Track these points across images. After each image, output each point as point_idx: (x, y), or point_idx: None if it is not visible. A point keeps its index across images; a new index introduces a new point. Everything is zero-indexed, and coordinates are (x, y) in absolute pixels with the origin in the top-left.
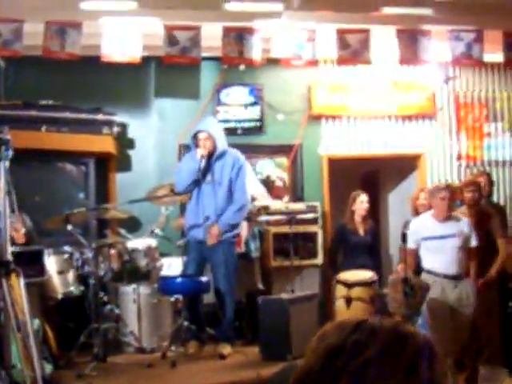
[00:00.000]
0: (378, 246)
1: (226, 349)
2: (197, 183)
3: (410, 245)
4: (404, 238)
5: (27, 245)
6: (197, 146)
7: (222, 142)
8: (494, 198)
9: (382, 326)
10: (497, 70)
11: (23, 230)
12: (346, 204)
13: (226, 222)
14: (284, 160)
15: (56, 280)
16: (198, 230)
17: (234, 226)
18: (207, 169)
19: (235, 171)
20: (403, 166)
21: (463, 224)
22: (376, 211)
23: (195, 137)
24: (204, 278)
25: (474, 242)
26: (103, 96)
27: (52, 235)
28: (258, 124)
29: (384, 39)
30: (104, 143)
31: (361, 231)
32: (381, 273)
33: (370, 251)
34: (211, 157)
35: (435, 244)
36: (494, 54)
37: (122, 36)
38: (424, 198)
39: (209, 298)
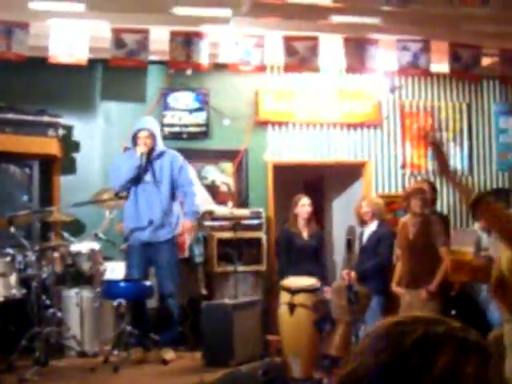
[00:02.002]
0: (324, 250)
1: (169, 354)
2: (135, 182)
3: None
4: (349, 244)
5: None
6: (135, 144)
7: (160, 142)
8: (438, 207)
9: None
10: (442, 80)
11: None
12: (289, 210)
13: (191, 212)
14: (229, 165)
15: None
16: (140, 233)
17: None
18: (146, 168)
19: (176, 170)
20: (348, 174)
21: None
22: (320, 218)
23: (135, 136)
24: (148, 283)
25: None
26: (49, 98)
27: None
28: (203, 129)
29: (331, 47)
30: (49, 145)
31: (305, 235)
32: (325, 277)
33: (315, 255)
34: (150, 155)
35: None
36: (440, 64)
37: (70, 38)
38: (366, 205)
39: (151, 302)
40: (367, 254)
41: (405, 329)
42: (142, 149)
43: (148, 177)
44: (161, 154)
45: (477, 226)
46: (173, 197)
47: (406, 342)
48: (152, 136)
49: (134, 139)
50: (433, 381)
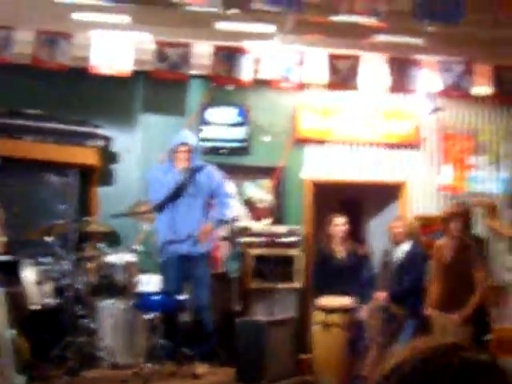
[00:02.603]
0: (361, 268)
1: (201, 368)
2: (174, 197)
3: None
4: (385, 266)
5: (6, 255)
6: (173, 159)
7: (198, 156)
8: (476, 231)
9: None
10: (484, 102)
11: (2, 239)
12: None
13: (217, 219)
14: (267, 182)
15: (33, 290)
16: (178, 246)
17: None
18: (185, 182)
19: (214, 182)
20: (385, 194)
21: None
22: (357, 237)
23: (174, 150)
24: (182, 296)
25: None
26: (90, 108)
27: (32, 246)
28: (243, 144)
29: (373, 66)
30: (88, 156)
31: (340, 254)
32: (364, 297)
33: (353, 275)
34: (188, 170)
35: None
36: (483, 87)
37: (113, 49)
38: (400, 225)
39: (185, 316)
40: (400, 274)
41: (439, 359)
42: (183, 163)
43: (189, 191)
44: (200, 169)
45: None
46: (206, 212)
47: (445, 375)
48: (191, 151)
49: (172, 154)
50: None
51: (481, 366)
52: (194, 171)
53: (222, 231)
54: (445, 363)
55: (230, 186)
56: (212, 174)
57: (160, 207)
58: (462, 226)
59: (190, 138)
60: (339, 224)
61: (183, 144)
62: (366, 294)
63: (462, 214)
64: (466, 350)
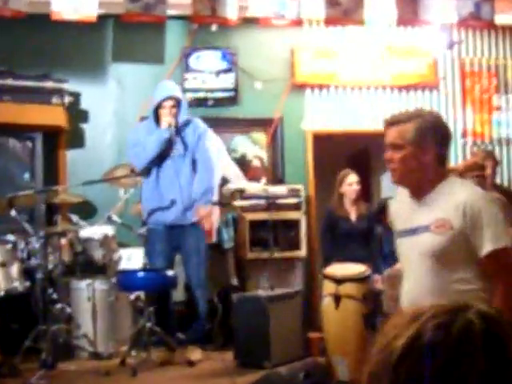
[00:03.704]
0: (375, 232)
1: (196, 354)
2: (161, 159)
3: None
4: None
5: None
6: (157, 115)
7: (185, 110)
8: (501, 179)
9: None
10: (509, 33)
11: None
12: (333, 186)
13: (202, 194)
14: (262, 136)
15: None
16: (164, 214)
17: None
18: (172, 141)
19: (195, 139)
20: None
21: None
22: (367, 196)
23: (159, 105)
24: (170, 272)
25: (487, 246)
26: (52, 60)
27: None
28: (231, 94)
29: None
30: (53, 115)
31: (352, 217)
32: (377, 264)
33: (365, 240)
34: (176, 126)
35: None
36: (507, 15)
37: None
38: None
39: (177, 295)
40: None
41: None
42: (169, 120)
43: (176, 151)
44: (186, 124)
45: None
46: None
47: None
48: (178, 105)
49: (156, 110)
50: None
51: (501, 319)
52: (181, 127)
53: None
54: (467, 324)
55: (218, 142)
56: (196, 128)
57: (146, 171)
58: (476, 181)
59: (176, 89)
60: (353, 182)
61: (169, 98)
62: (380, 261)
63: (475, 167)
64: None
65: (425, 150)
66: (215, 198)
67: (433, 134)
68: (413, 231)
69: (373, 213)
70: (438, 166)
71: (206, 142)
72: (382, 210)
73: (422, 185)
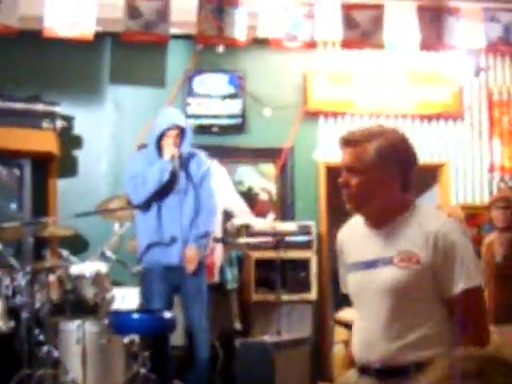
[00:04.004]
0: None
1: None
2: (162, 193)
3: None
4: None
5: None
6: (159, 145)
7: (189, 142)
8: None
9: None
10: None
11: None
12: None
13: (199, 234)
14: (271, 167)
15: None
16: (163, 253)
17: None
18: (176, 174)
19: (201, 174)
20: (420, 179)
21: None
22: None
23: (162, 134)
24: (168, 314)
25: (459, 285)
26: (44, 81)
27: None
28: (238, 121)
29: (401, 18)
30: (44, 140)
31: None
32: None
33: None
34: (180, 159)
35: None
36: None
37: (72, 5)
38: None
39: (176, 340)
40: None
41: None
42: (173, 150)
43: (179, 185)
44: (191, 157)
45: None
46: (198, 211)
47: None
48: (182, 134)
49: (159, 139)
50: None
51: None
52: (185, 160)
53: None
54: None
55: (222, 174)
56: (200, 163)
57: (145, 206)
58: (504, 215)
59: (181, 118)
60: None
61: (173, 126)
62: None
63: (503, 200)
64: None
65: (386, 175)
66: (217, 234)
67: (396, 156)
68: (370, 264)
69: None
70: (402, 193)
71: (211, 182)
72: None
73: (382, 213)
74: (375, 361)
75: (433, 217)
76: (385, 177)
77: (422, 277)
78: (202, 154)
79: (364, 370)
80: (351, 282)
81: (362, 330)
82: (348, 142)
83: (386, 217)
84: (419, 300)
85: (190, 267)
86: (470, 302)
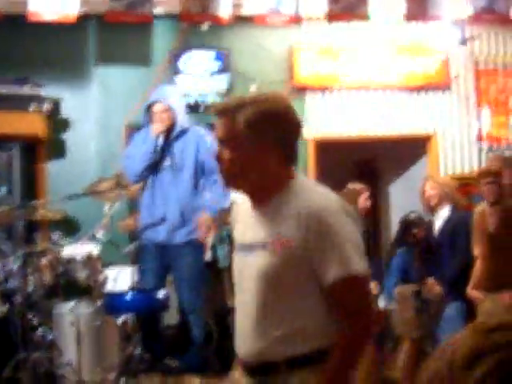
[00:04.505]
0: (377, 249)
1: (194, 382)
2: (152, 169)
3: None
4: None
5: None
6: (149, 121)
7: (182, 117)
8: None
9: None
10: None
11: None
12: None
13: (214, 205)
14: None
15: None
16: (155, 231)
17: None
18: (165, 150)
19: (203, 152)
20: (409, 151)
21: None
22: (375, 207)
23: (149, 110)
24: (161, 292)
25: (332, 272)
26: (30, 64)
27: None
28: (225, 98)
29: None
30: (31, 123)
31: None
32: (382, 283)
33: (368, 255)
34: (169, 135)
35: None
36: None
37: None
38: (431, 187)
39: (169, 318)
40: (443, 250)
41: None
42: (158, 127)
43: (166, 163)
44: (183, 133)
45: None
46: (196, 186)
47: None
48: (170, 110)
49: (148, 114)
50: None
51: None
52: (174, 136)
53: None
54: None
55: None
56: (201, 138)
57: (136, 183)
58: (493, 188)
59: (165, 93)
60: (367, 199)
61: (157, 102)
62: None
63: (490, 174)
64: None
65: (259, 148)
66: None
67: (271, 127)
68: (247, 248)
69: (396, 233)
70: (282, 168)
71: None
72: (406, 229)
73: (259, 191)
74: (248, 356)
75: (310, 195)
76: (257, 150)
77: (295, 264)
78: (200, 130)
79: (242, 365)
80: (234, 266)
81: (238, 321)
82: (219, 112)
83: (263, 195)
84: (294, 289)
85: (201, 235)
86: (346, 291)
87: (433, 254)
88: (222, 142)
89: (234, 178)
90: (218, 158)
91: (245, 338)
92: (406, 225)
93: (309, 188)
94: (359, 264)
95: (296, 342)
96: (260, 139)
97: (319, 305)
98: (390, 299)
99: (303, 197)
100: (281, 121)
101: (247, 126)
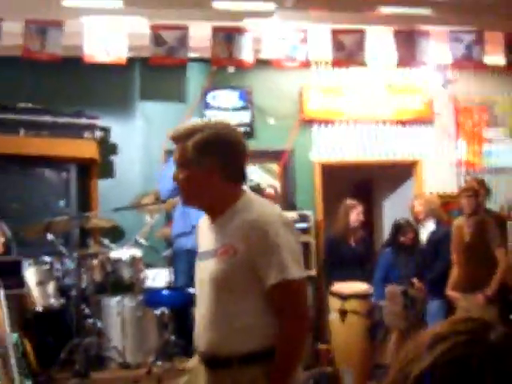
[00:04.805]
0: (371, 256)
1: None
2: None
3: None
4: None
5: (5, 255)
6: None
7: None
8: (493, 207)
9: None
10: (498, 73)
11: (2, 240)
12: (338, 213)
13: None
14: (275, 166)
15: (35, 292)
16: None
17: None
18: None
19: None
20: (399, 174)
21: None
22: (369, 220)
23: None
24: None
25: (271, 277)
26: (85, 99)
27: (31, 245)
28: (247, 129)
29: (380, 40)
30: (86, 148)
31: (351, 241)
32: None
33: (362, 262)
34: None
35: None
36: (495, 57)
37: (106, 36)
38: (419, 203)
39: None
40: (428, 256)
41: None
42: None
43: None
44: None
45: None
46: None
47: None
48: None
49: None
50: None
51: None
52: None
53: None
54: (480, 363)
55: None
56: None
57: (167, 199)
58: (471, 202)
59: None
60: (360, 213)
61: None
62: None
63: (470, 190)
64: (497, 328)
65: (205, 169)
66: None
67: (217, 150)
68: (203, 256)
69: (389, 234)
70: (229, 186)
71: None
72: (397, 231)
73: (211, 207)
74: (202, 347)
75: (253, 207)
76: (204, 171)
77: (240, 269)
78: None
79: (199, 356)
80: (195, 271)
81: (196, 318)
82: (174, 138)
83: (215, 210)
84: (241, 292)
85: None
86: (283, 294)
87: (415, 256)
88: (177, 164)
89: (188, 197)
90: (175, 179)
91: (200, 332)
92: (396, 228)
93: (254, 203)
94: (295, 269)
95: (244, 339)
96: (207, 161)
97: (266, 306)
98: (377, 291)
99: (248, 210)
100: (225, 145)
101: (195, 150)
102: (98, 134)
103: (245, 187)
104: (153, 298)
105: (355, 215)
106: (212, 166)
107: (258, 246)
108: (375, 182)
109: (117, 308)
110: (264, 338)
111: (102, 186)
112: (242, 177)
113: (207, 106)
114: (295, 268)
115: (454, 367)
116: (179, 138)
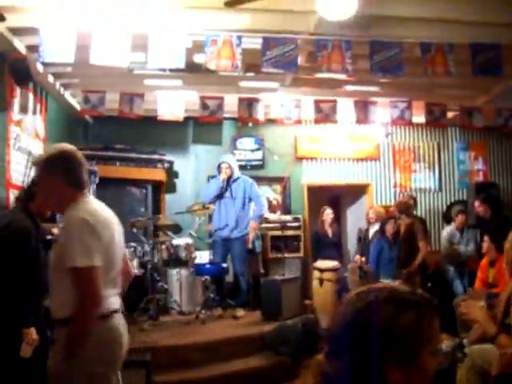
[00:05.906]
0: (341, 243)
1: (240, 312)
2: (219, 198)
3: None
4: (359, 239)
5: None
6: (219, 172)
7: (236, 171)
8: (418, 213)
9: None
10: (421, 128)
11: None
12: (318, 216)
13: (257, 216)
14: (278, 187)
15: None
16: (222, 231)
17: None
18: (226, 188)
19: (248, 188)
20: (357, 192)
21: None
22: (339, 222)
23: (219, 166)
24: (225, 264)
25: (66, 263)
26: (158, 143)
27: (125, 236)
28: (260, 163)
29: (345, 106)
30: (158, 174)
31: (329, 233)
32: (342, 261)
33: (336, 247)
34: (229, 180)
35: None
36: (419, 117)
37: (171, 103)
38: (372, 212)
39: (228, 278)
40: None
41: (364, 296)
42: (223, 176)
43: (227, 194)
44: (237, 179)
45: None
46: (243, 207)
47: (360, 304)
48: (230, 167)
49: (219, 169)
50: (377, 331)
51: (386, 299)
52: (232, 181)
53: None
54: (373, 298)
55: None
56: (246, 182)
57: (208, 204)
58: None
59: (229, 158)
60: (329, 214)
61: (224, 162)
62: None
63: (397, 205)
64: (400, 290)
65: (51, 180)
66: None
67: (56, 166)
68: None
69: (379, 227)
70: (69, 192)
71: (255, 188)
72: (382, 225)
73: (59, 209)
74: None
75: (76, 210)
76: (51, 182)
77: (62, 254)
78: (246, 178)
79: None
80: None
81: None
82: (33, 164)
83: (61, 210)
84: (62, 272)
85: (252, 234)
86: (72, 278)
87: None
88: (38, 181)
89: (46, 203)
90: (38, 192)
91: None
92: (382, 223)
93: (81, 205)
94: (80, 259)
95: (61, 308)
96: (50, 175)
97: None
98: (372, 267)
99: (73, 210)
100: (63, 161)
101: (42, 169)
102: (166, 165)
103: (87, 193)
104: (199, 269)
105: (326, 215)
106: (56, 176)
107: (65, 239)
108: (342, 197)
109: (176, 276)
110: (70, 309)
111: (168, 198)
112: (81, 184)
113: (235, 147)
114: (80, 257)
115: (358, 315)
116: (36, 163)
